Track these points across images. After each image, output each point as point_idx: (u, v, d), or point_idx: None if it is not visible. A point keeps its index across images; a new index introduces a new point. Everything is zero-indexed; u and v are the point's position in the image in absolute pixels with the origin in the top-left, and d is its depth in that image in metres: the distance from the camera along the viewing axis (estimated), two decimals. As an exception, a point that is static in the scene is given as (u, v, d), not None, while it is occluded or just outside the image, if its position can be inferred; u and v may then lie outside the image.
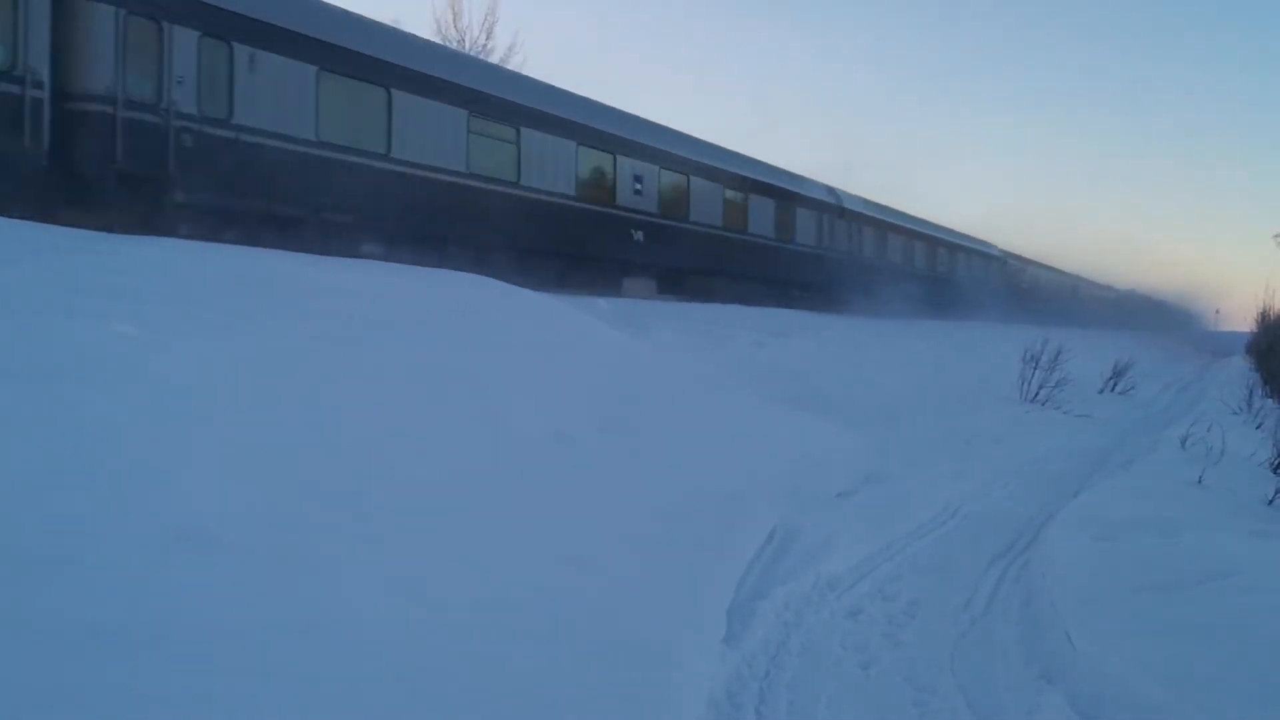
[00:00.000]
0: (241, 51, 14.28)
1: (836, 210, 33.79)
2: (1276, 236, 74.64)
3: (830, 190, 33.83)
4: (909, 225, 40.73)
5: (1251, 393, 26.94)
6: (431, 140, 17.44)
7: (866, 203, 36.95)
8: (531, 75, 23.23)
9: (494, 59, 31.08)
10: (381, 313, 9.65)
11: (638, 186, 23.96)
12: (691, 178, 25.99)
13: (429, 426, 7.83)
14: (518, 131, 19.89)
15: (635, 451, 9.45)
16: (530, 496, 7.53)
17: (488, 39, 32.11)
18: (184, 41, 13.58)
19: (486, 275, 14.05)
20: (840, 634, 7.03)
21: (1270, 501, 12.48)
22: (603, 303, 17.20)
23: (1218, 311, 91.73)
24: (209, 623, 4.52)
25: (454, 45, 30.64)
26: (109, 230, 11.32)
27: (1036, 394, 22.47)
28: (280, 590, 5.04)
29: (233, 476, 5.95)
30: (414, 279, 11.69)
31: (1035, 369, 22.73)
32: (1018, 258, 55.73)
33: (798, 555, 8.59)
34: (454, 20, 31.79)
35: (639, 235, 23.84)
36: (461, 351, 9.61)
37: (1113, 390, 28.05)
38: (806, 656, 6.60)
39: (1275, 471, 14.82)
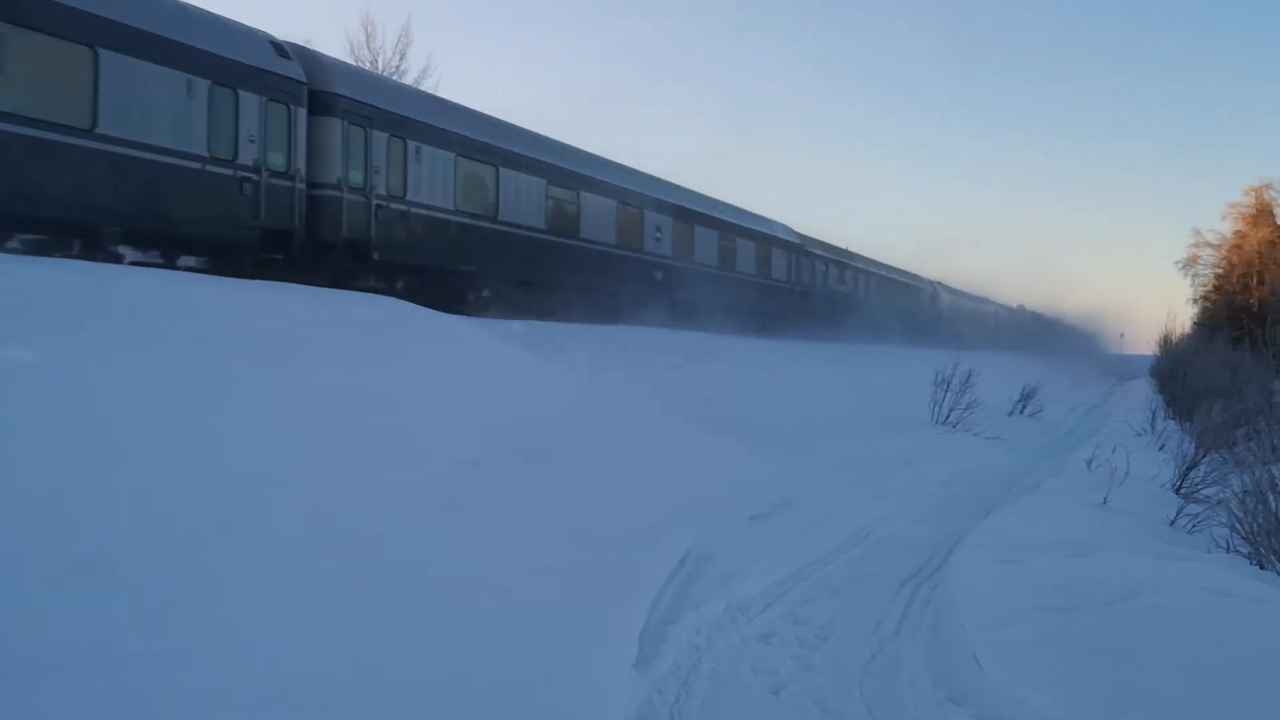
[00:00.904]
0: None
1: (368, 117, 17.35)
2: (1178, 263, 77.46)
3: (371, 83, 19.00)
4: (578, 169, 23.60)
5: (1154, 415, 27.68)
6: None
7: (480, 120, 20.80)
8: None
9: (408, 80, 30.85)
10: (285, 335, 9.45)
11: None
12: None
13: (337, 453, 7.67)
14: None
15: (549, 477, 9.36)
16: (441, 524, 7.42)
17: (401, 60, 31.83)
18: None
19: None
20: (751, 658, 7.00)
21: (1172, 522, 12.78)
22: (516, 325, 17.07)
23: (1122, 335, 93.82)
24: (103, 653, 4.41)
25: (367, 65, 30.34)
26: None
27: (948, 416, 22.79)
28: (176, 621, 4.91)
29: (133, 505, 5.79)
30: (318, 300, 11.48)
31: (946, 392, 23.05)
32: (831, 248, 40.33)
33: (711, 579, 8.56)
34: (367, 41, 31.49)
35: None
36: (370, 375, 9.45)
37: (1022, 413, 28.58)
38: (717, 681, 6.55)
39: (1177, 493, 15.20)
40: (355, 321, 11.06)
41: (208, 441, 6.93)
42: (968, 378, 23.40)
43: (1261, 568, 9.48)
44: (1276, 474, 9.92)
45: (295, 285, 12.72)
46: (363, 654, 5.28)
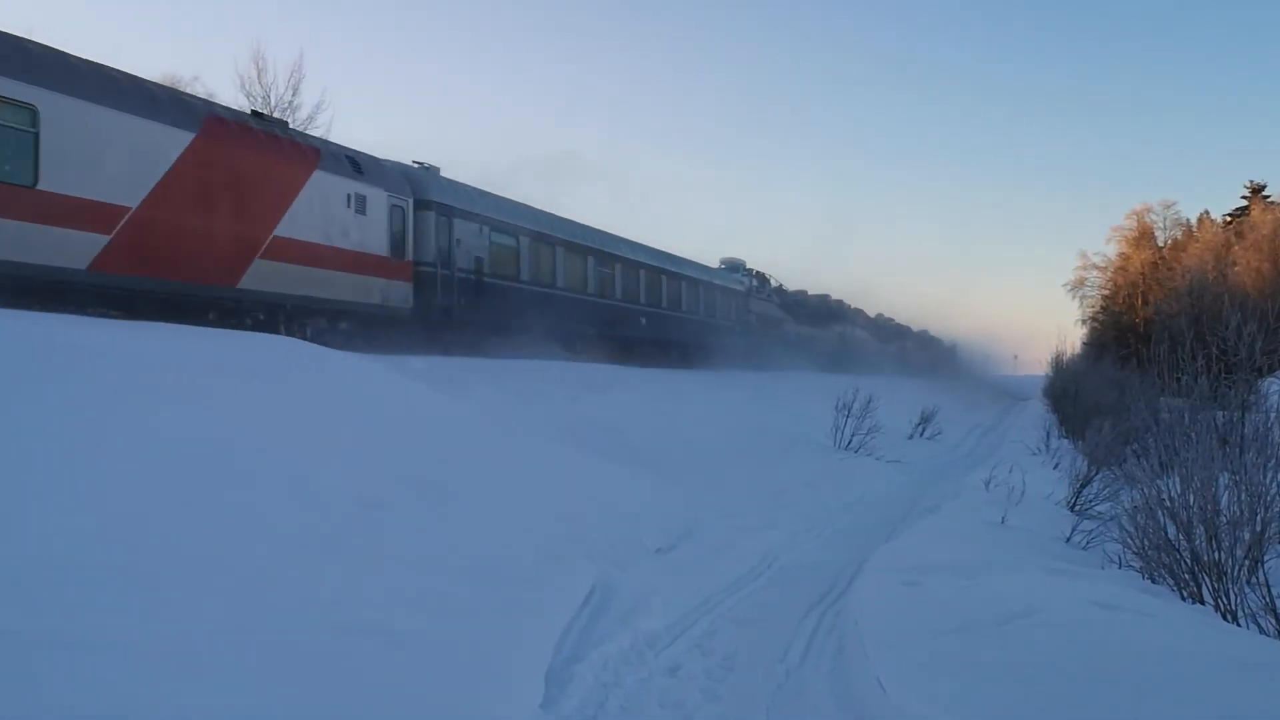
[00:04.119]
0: None
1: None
2: (1066, 285, 79.84)
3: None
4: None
5: (1048, 434, 28.33)
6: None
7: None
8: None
9: (301, 115, 30.52)
10: (172, 380, 9.22)
11: None
12: None
13: (226, 500, 7.48)
14: None
15: (447, 514, 9.24)
16: (333, 567, 7.25)
17: (294, 95, 31.36)
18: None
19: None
20: (659, 692, 6.97)
21: (1068, 539, 13.07)
22: (416, 361, 16.91)
23: (1016, 357, 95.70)
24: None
25: (259, 101, 29.92)
26: None
27: (849, 441, 23.09)
28: (45, 683, 4.71)
29: None
30: (209, 342, 11.21)
31: (848, 417, 23.36)
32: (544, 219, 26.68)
33: (616, 614, 8.51)
34: (258, 76, 30.96)
35: None
36: (263, 419, 9.25)
37: (922, 435, 29.08)
38: (625, 717, 6.51)
39: (1072, 510, 15.56)
40: (250, 363, 10.84)
41: (76, 487, 6.70)
42: (868, 403, 23.76)
43: (1153, 581, 9.71)
44: (1164, 490, 10.17)
45: (198, 329, 12.56)
46: (238, 708, 5.11)
